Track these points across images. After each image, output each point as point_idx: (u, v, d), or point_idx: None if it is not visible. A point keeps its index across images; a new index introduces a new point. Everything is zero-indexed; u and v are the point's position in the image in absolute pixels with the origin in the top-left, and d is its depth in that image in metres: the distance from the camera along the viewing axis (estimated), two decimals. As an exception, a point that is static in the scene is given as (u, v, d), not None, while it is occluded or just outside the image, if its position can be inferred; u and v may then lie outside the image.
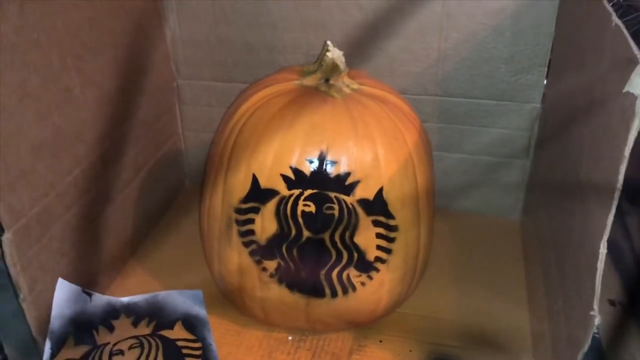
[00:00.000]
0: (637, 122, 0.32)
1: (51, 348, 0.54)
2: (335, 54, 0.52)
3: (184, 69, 0.75)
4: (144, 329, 0.59)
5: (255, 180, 0.50)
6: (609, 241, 0.71)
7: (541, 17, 0.63)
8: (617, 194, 0.34)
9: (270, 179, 0.50)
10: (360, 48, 0.68)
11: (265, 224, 0.51)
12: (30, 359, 0.55)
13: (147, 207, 0.73)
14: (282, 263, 0.52)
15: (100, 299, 0.60)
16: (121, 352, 0.56)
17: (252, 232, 0.52)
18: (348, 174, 0.49)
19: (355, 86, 0.54)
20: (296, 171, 0.49)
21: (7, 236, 0.48)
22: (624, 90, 0.33)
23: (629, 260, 0.68)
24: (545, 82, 0.66)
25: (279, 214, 0.50)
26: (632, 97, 0.32)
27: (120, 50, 0.63)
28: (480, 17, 0.64)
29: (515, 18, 0.63)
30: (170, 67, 0.75)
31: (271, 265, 0.52)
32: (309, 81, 0.54)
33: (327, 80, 0.54)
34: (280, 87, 0.53)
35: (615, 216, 0.74)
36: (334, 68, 0.53)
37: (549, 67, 0.65)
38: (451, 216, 0.74)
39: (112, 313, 0.60)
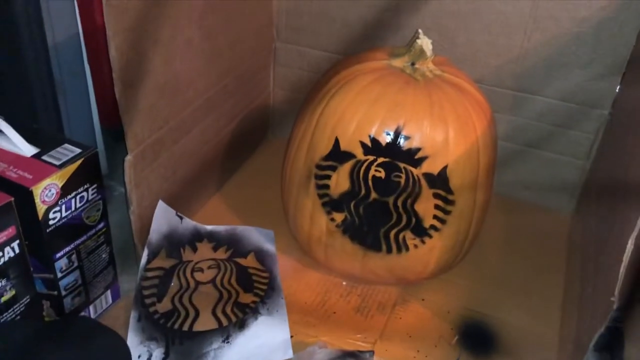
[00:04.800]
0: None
1: (148, 255, 0.64)
2: (424, 41, 0.58)
3: (283, 33, 0.83)
4: (221, 254, 0.69)
5: (337, 142, 0.58)
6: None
7: (624, 28, 0.66)
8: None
9: (350, 144, 0.57)
10: (448, 34, 0.74)
11: (340, 182, 0.58)
12: (128, 259, 0.65)
13: (235, 151, 0.82)
14: (348, 217, 0.60)
15: (189, 223, 0.70)
16: (201, 270, 0.66)
17: (327, 186, 0.59)
18: (418, 149, 0.56)
19: (438, 72, 0.60)
20: (374, 140, 0.56)
21: (129, 158, 0.58)
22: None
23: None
24: (617, 89, 0.70)
25: (353, 174, 0.58)
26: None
27: (233, 10, 0.71)
28: (565, 22, 0.68)
29: (598, 27, 0.67)
30: (272, 30, 0.82)
31: (339, 217, 0.60)
32: (397, 62, 0.60)
33: (413, 64, 0.60)
34: (371, 65, 0.60)
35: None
36: (421, 54, 0.59)
37: (623, 75, 0.69)
38: (507, 202, 0.79)
39: (197, 236, 0.70)
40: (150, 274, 0.64)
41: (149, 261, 0.64)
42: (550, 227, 0.77)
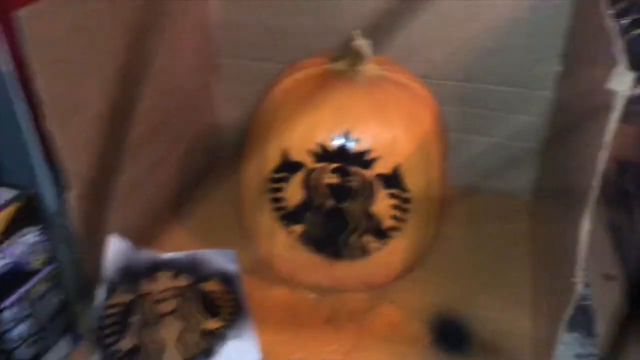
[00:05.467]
0: (614, 115, 0.37)
1: (105, 293, 0.61)
2: (362, 43, 0.58)
3: (224, 48, 0.81)
4: (183, 282, 0.66)
5: (286, 153, 0.56)
6: (614, 224, 0.75)
7: (559, 9, 0.67)
8: (597, 176, 0.40)
9: (300, 153, 0.56)
10: (386, 34, 0.73)
11: (294, 193, 0.57)
12: (84, 301, 0.63)
13: (188, 175, 0.80)
14: (307, 227, 0.59)
15: (145, 254, 0.68)
16: (163, 301, 0.63)
17: (282, 199, 0.58)
18: (368, 151, 0.55)
19: (379, 72, 0.60)
20: (322, 147, 0.55)
21: (70, 195, 0.56)
22: (605, 87, 0.38)
23: (631, 242, 0.73)
24: (560, 71, 0.70)
25: (306, 184, 0.57)
26: (613, 92, 0.38)
27: (168, 32, 0.69)
28: (500, 8, 0.68)
29: (532, 11, 0.67)
30: (211, 47, 0.81)
31: (298, 229, 0.59)
32: (338, 66, 0.60)
33: (354, 66, 0.59)
34: (312, 71, 0.59)
35: (624, 201, 0.78)
36: (360, 55, 0.58)
37: (564, 58, 0.70)
38: (466, 194, 0.79)
39: (156, 266, 0.68)
40: (109, 312, 0.61)
41: (106, 298, 0.62)
42: (512, 215, 0.77)
